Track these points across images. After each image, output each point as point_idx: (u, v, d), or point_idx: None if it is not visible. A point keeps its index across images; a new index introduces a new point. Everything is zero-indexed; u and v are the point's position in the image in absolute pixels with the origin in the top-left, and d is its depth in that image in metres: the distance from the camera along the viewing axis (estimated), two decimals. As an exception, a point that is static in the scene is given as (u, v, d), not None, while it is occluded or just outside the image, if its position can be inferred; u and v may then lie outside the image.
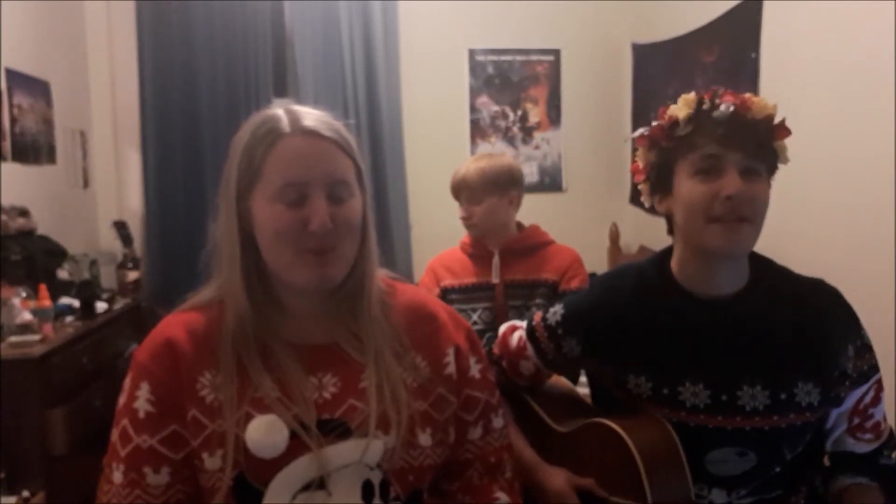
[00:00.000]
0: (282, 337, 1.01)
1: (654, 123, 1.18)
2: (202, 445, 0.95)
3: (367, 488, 0.96)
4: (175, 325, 1.01)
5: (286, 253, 0.97)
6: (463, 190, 2.13)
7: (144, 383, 0.97)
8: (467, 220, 2.15)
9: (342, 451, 0.95)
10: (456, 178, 2.15)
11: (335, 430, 0.96)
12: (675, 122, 1.15)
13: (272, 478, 0.93)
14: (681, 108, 1.15)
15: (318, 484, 0.94)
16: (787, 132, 1.15)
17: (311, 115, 1.00)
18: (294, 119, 0.99)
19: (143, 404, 0.96)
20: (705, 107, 1.14)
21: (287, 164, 0.96)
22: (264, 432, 0.93)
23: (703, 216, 1.11)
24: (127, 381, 0.99)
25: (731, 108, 1.11)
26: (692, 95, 1.15)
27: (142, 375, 0.98)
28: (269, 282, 1.02)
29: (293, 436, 0.94)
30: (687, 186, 1.13)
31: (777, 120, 1.15)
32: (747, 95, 1.14)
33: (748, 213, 1.10)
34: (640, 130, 1.21)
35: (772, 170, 1.15)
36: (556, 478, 1.25)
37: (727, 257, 1.15)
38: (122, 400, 0.99)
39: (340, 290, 1.03)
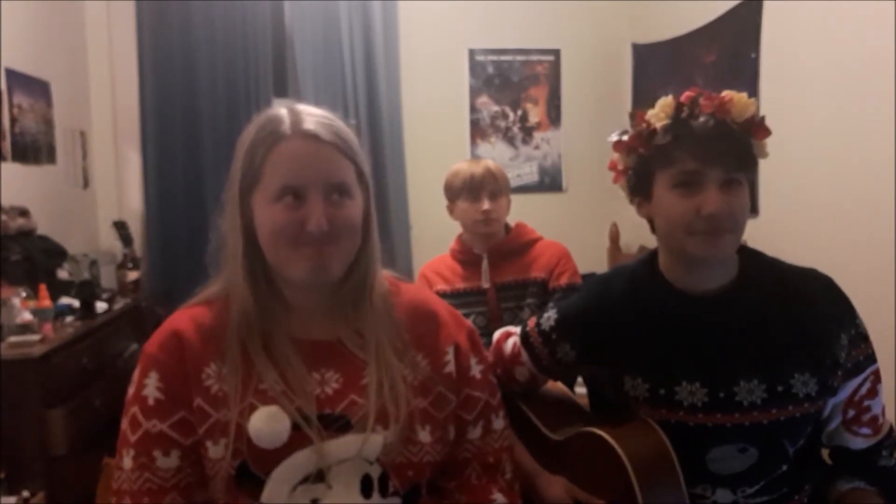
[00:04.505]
0: (285, 331, 1.02)
1: (632, 131, 1.16)
2: (206, 434, 0.97)
3: (366, 482, 0.98)
4: (183, 318, 1.04)
5: (284, 250, 0.99)
6: (489, 183, 2.09)
7: (153, 372, 0.99)
8: (490, 214, 2.09)
9: (342, 445, 0.97)
10: (475, 173, 2.10)
11: (335, 423, 0.98)
12: (653, 131, 1.13)
13: (273, 468, 0.95)
14: (658, 116, 1.12)
15: (318, 477, 0.96)
16: (767, 132, 1.13)
17: (313, 118, 1.01)
18: (295, 121, 1.00)
19: (152, 392, 0.98)
20: (684, 115, 1.11)
21: (286, 166, 0.98)
22: (266, 422, 0.95)
23: (684, 230, 1.10)
24: (136, 373, 1.01)
25: (711, 122, 1.08)
26: (670, 100, 1.12)
27: (150, 365, 1.00)
28: (272, 277, 1.04)
29: (295, 428, 0.95)
30: (667, 200, 1.12)
31: (766, 118, 1.12)
32: (726, 96, 1.10)
33: (729, 226, 1.09)
34: (616, 136, 1.18)
35: (752, 173, 1.14)
36: (556, 487, 1.24)
37: (710, 263, 1.15)
38: (131, 391, 1.01)
39: (343, 287, 1.05)
